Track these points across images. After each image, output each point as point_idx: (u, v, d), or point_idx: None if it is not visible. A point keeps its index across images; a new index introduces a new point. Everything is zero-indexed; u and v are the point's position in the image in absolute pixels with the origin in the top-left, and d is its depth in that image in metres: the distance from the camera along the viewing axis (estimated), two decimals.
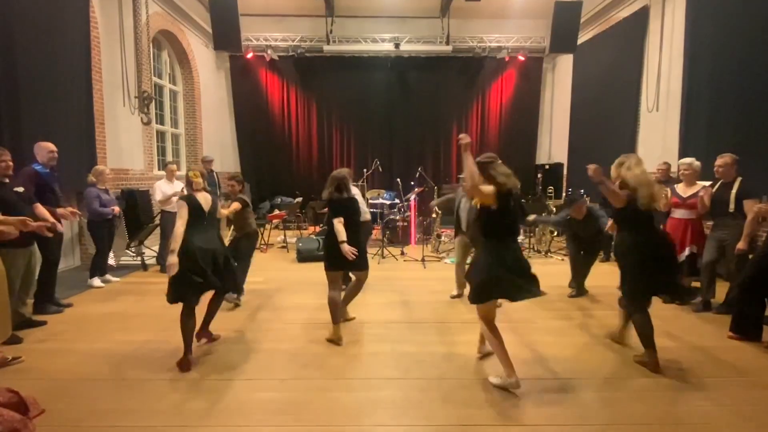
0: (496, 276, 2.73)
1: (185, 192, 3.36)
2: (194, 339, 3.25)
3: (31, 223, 2.92)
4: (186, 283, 2.99)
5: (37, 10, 5.14)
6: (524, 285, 2.77)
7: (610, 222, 3.92)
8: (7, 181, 3.51)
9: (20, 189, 3.58)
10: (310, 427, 2.40)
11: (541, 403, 2.64)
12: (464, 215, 4.46)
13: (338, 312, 3.59)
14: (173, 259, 2.92)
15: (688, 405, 2.62)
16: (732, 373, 3.03)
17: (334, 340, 3.50)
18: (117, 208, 5.26)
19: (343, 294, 3.79)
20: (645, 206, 2.94)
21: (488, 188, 2.71)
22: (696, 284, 4.36)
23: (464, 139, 2.71)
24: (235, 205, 4.14)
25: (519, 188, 2.85)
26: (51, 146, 4.27)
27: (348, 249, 3.39)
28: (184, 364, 3.05)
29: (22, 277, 3.58)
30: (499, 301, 3.86)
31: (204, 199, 3.23)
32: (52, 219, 3.54)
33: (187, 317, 3.11)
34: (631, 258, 3.04)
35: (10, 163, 3.51)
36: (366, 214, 4.97)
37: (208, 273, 3.08)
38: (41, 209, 3.69)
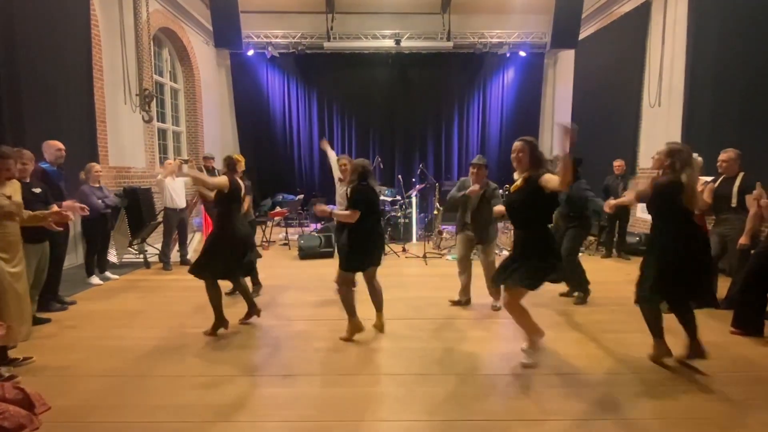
0: (556, 261, 2.88)
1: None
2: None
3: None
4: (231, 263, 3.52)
5: (38, 9, 5.14)
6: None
7: (612, 201, 3.75)
8: (27, 180, 3.54)
9: (38, 190, 3.59)
10: (313, 422, 2.41)
11: (545, 398, 2.65)
12: (470, 208, 4.21)
13: (354, 304, 3.55)
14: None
15: (691, 400, 2.62)
16: (735, 368, 3.03)
17: (350, 337, 3.50)
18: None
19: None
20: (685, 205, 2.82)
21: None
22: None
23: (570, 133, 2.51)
24: (249, 200, 4.30)
25: None
26: (59, 145, 4.29)
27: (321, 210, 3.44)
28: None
29: (33, 274, 3.59)
30: (499, 303, 3.90)
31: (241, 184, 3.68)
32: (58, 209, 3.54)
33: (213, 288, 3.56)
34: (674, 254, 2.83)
35: (27, 166, 3.51)
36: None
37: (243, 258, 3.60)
38: (55, 210, 3.70)
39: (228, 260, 3.48)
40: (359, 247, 3.42)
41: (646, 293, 2.94)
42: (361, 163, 3.52)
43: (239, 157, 3.56)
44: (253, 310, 3.81)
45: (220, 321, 3.59)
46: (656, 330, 3.04)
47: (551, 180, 2.66)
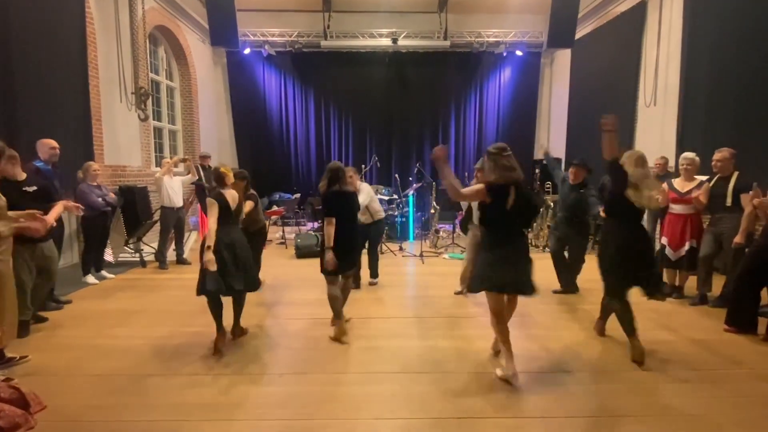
0: (490, 267, 2.78)
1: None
2: (227, 335, 3.39)
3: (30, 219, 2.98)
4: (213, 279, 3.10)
5: (33, 6, 5.10)
6: (514, 279, 2.78)
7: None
8: (20, 179, 3.47)
9: (31, 188, 3.51)
10: (309, 420, 2.42)
11: (538, 395, 2.66)
12: (476, 208, 4.33)
13: (341, 307, 3.56)
14: (209, 256, 3.04)
15: (684, 397, 2.64)
16: (728, 366, 3.06)
17: (338, 337, 3.47)
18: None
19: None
20: (640, 205, 3.00)
21: (473, 188, 2.88)
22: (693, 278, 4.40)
23: (438, 151, 2.73)
24: (250, 204, 4.08)
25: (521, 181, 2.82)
26: (52, 143, 4.28)
27: (330, 259, 3.32)
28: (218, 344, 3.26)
29: (35, 274, 3.58)
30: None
31: (231, 196, 3.33)
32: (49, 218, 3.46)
33: (214, 305, 3.26)
34: (613, 247, 3.10)
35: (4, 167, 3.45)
36: (379, 213, 4.92)
37: (232, 273, 3.19)
38: (57, 209, 3.60)
39: (226, 273, 3.18)
40: (336, 251, 3.38)
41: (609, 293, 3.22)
42: (330, 167, 3.53)
43: (226, 169, 3.39)
44: (236, 330, 3.56)
45: (221, 334, 3.31)
46: (629, 327, 3.08)
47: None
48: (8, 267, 2.85)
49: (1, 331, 2.77)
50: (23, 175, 3.52)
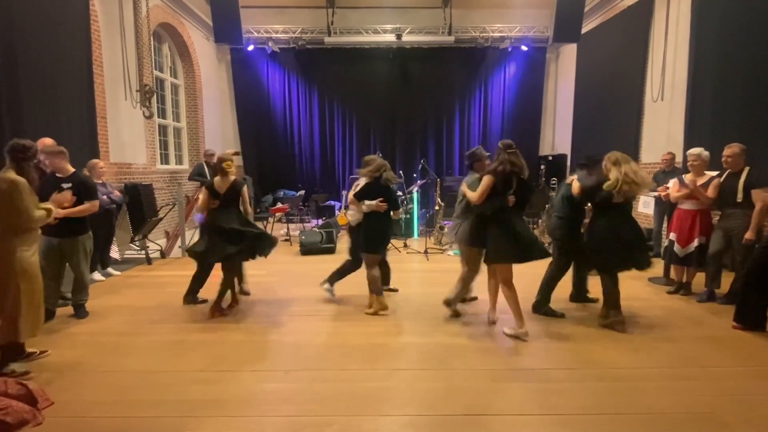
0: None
1: None
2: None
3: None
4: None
5: (38, 4, 5.12)
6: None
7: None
8: (59, 175, 3.68)
9: (67, 185, 3.61)
10: (314, 417, 2.42)
11: (546, 392, 2.65)
12: None
13: (380, 285, 4.09)
14: None
15: (692, 394, 2.62)
16: (736, 363, 3.03)
17: (379, 311, 3.97)
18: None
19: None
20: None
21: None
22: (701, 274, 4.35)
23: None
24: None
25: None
26: (48, 142, 4.29)
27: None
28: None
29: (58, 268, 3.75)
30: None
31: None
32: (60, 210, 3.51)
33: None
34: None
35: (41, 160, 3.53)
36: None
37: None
38: (82, 208, 3.72)
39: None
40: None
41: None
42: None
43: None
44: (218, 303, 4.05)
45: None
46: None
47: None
48: (33, 258, 2.86)
49: (19, 322, 2.77)
50: (69, 171, 3.74)
